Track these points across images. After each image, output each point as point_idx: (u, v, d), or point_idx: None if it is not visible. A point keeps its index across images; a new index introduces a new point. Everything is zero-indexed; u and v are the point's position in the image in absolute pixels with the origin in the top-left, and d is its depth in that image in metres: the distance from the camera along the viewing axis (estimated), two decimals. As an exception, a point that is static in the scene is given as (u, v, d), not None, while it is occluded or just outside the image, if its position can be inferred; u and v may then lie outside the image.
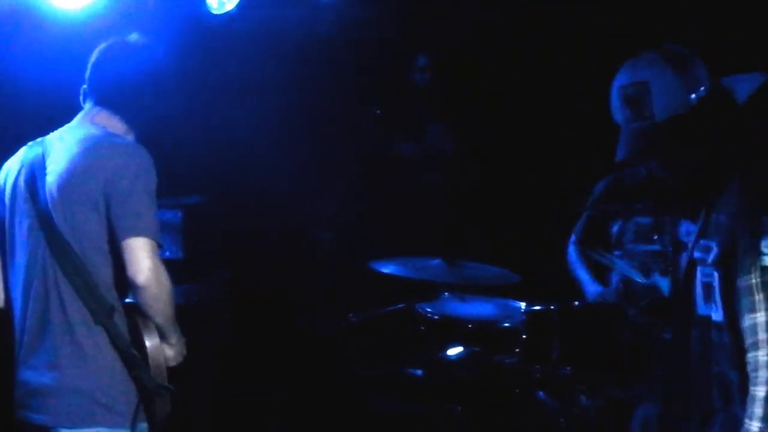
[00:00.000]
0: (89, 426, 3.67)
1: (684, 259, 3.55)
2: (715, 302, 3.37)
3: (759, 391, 3.15)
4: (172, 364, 3.85)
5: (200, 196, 6.79)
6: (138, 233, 3.64)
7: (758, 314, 3.14)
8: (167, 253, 3.79)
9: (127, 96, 3.92)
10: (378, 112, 8.11)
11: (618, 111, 3.51)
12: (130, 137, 3.89)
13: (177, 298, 3.82)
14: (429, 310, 5.82)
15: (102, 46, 4.01)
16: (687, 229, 3.59)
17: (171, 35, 4.47)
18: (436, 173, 8.04)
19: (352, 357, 6.52)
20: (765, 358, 3.14)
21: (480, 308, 5.90)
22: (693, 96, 3.38)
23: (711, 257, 3.35)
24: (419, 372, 5.87)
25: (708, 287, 3.41)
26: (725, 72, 3.79)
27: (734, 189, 3.30)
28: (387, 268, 5.85)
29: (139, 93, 3.93)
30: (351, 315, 6.17)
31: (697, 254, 3.42)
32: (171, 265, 3.76)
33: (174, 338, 3.83)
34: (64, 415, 3.69)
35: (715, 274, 3.36)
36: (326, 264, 7.76)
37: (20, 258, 3.81)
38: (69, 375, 3.69)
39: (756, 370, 3.15)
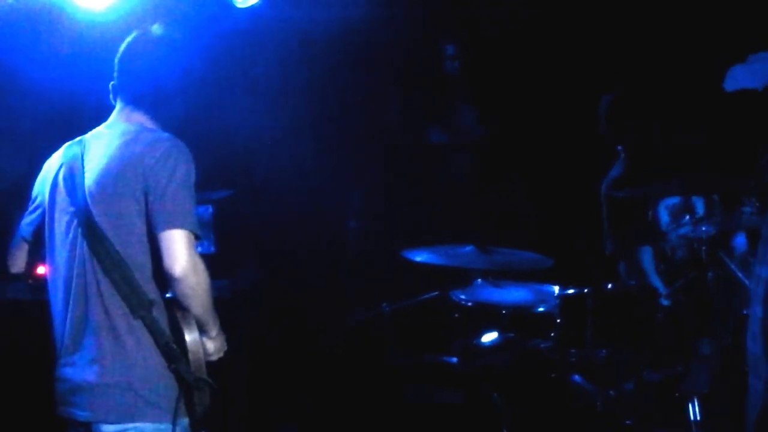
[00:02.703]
0: (132, 421, 3.69)
1: None
2: None
3: None
4: (214, 358, 3.87)
5: (230, 191, 6.80)
6: (176, 225, 3.65)
7: None
8: (199, 248, 3.77)
9: (156, 91, 3.93)
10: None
11: None
12: (167, 132, 3.90)
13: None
14: (463, 297, 5.83)
15: (128, 40, 4.00)
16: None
17: (196, 30, 4.47)
18: (467, 160, 8.03)
19: (386, 346, 6.52)
20: None
21: (513, 294, 5.91)
22: None
23: None
24: (454, 359, 5.87)
25: None
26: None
27: None
28: (420, 257, 5.86)
29: (167, 87, 3.94)
30: (385, 304, 6.18)
31: None
32: (204, 260, 3.77)
33: (214, 331, 3.84)
34: (107, 411, 3.70)
35: None
36: (358, 254, 7.77)
37: (60, 255, 3.84)
38: (111, 370, 3.71)
39: None
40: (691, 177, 5.32)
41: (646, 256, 5.94)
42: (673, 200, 5.88)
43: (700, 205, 5.78)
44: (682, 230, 5.74)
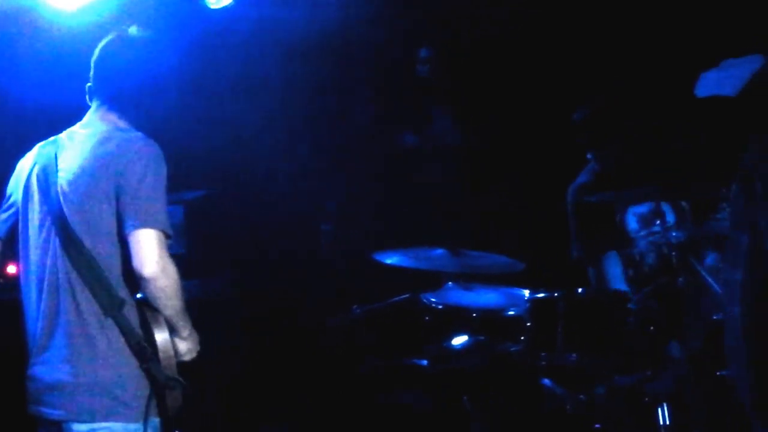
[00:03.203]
0: (104, 420, 3.68)
1: None
2: None
3: None
4: (187, 358, 3.86)
5: (201, 192, 6.79)
6: (146, 225, 3.66)
7: None
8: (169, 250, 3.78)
9: (131, 92, 3.94)
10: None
11: None
12: (141, 132, 3.90)
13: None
14: (433, 300, 5.82)
15: (103, 42, 4.02)
16: None
17: (169, 31, 4.47)
18: (441, 164, 8.02)
19: (357, 349, 6.53)
20: None
21: (484, 297, 5.91)
22: None
23: None
24: (425, 362, 5.88)
25: None
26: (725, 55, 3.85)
27: None
28: (390, 259, 5.85)
29: (142, 88, 3.95)
30: (355, 307, 6.17)
31: None
32: (174, 261, 3.76)
33: (185, 331, 3.83)
34: (79, 410, 3.69)
35: None
36: (330, 256, 7.76)
37: (33, 255, 3.83)
38: (84, 370, 3.70)
39: None
40: (666, 183, 5.34)
41: (613, 262, 5.96)
42: (642, 207, 5.90)
43: (669, 212, 5.80)
44: (653, 237, 5.77)
